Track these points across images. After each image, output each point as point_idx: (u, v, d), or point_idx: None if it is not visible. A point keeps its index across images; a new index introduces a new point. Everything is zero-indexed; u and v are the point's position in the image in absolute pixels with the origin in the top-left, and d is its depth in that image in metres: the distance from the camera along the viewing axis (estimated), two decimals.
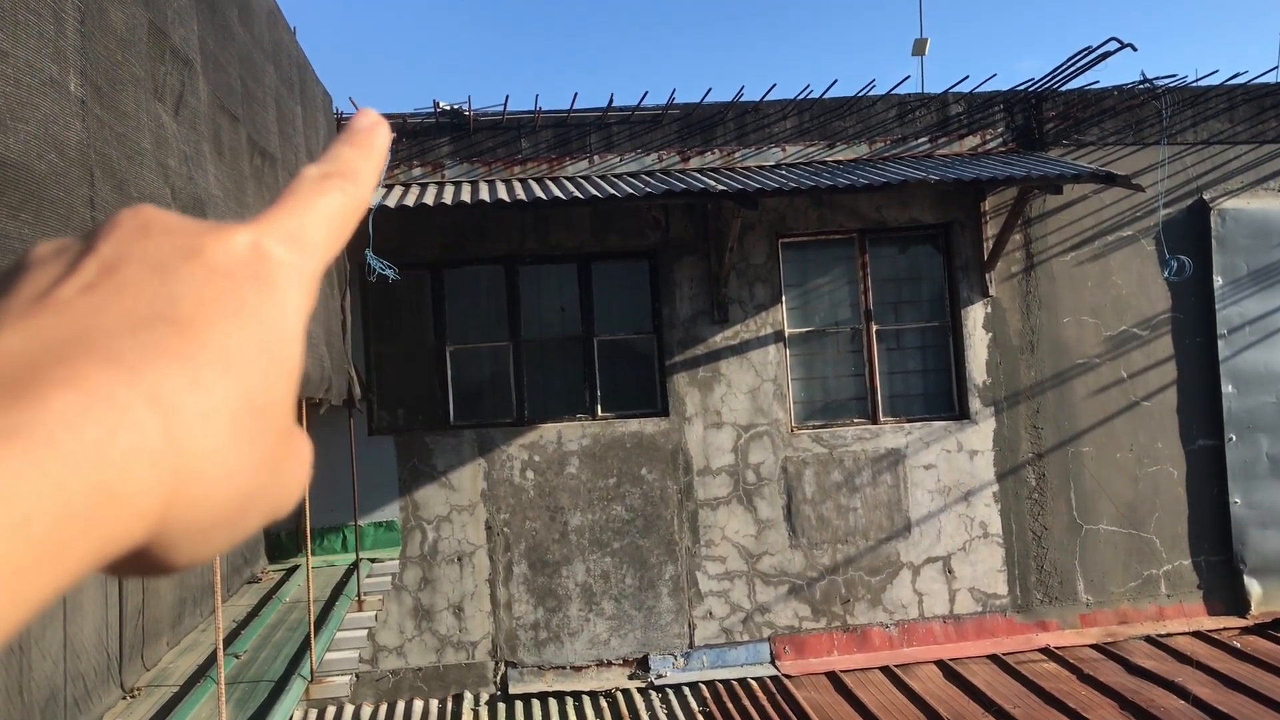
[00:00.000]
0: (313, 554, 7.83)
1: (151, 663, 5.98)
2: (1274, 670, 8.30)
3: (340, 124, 8.96)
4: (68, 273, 0.35)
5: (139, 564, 0.33)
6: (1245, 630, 9.44)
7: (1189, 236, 9.88)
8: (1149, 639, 9.23)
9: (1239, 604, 9.74)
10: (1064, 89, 10.01)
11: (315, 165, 0.44)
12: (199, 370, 0.33)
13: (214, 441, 0.33)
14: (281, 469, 0.37)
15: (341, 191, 0.43)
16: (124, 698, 5.50)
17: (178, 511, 0.32)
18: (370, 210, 8.12)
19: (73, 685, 4.98)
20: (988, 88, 10.10)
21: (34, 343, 0.31)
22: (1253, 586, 9.76)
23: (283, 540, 8.85)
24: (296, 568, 8.47)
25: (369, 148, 0.46)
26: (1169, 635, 9.30)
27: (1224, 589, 9.81)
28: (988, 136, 10.10)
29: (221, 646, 4.84)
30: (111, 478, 0.29)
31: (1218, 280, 9.85)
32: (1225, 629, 9.43)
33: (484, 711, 8.58)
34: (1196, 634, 9.32)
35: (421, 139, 9.58)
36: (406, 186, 9.37)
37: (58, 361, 0.30)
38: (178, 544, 0.33)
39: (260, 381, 0.35)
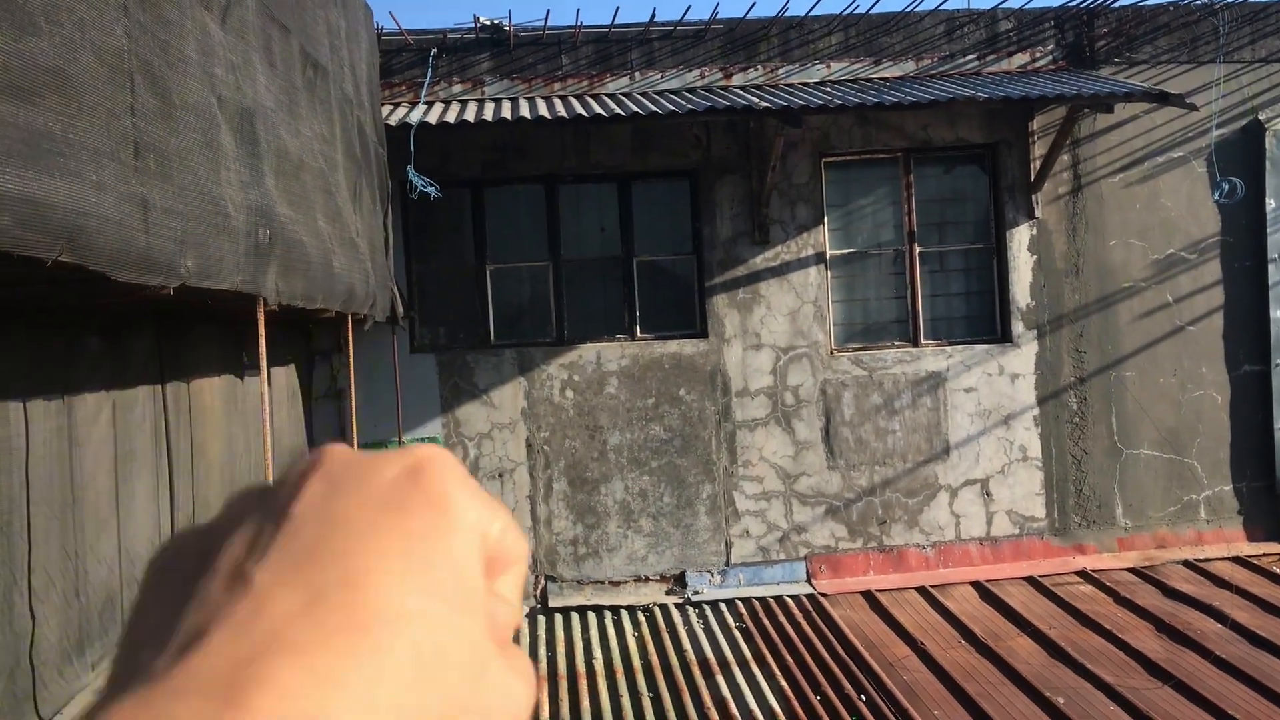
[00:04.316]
0: None
1: None
2: None
3: (380, 38, 8.90)
4: (256, 541, 0.38)
5: None
6: None
7: (1242, 158, 9.66)
8: (1187, 563, 9.22)
9: (1279, 530, 9.70)
10: (1116, 5, 9.75)
11: None
12: (366, 643, 0.35)
13: (390, 705, 0.35)
14: (476, 708, 0.38)
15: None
16: None
17: None
18: (411, 127, 8.09)
19: (128, 590, 5.10)
20: (1038, 4, 9.85)
21: (233, 635, 0.34)
22: None
23: None
24: None
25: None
26: (1207, 560, 9.28)
27: (1265, 515, 9.76)
28: (1037, 54, 9.87)
29: None
30: None
31: (1270, 203, 9.64)
32: (1265, 555, 9.40)
33: (524, 624, 8.74)
34: (1235, 559, 9.30)
35: (461, 55, 9.48)
36: (447, 103, 9.31)
37: (252, 659, 0.33)
38: None
39: (430, 630, 0.37)
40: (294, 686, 0.33)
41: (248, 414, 6.41)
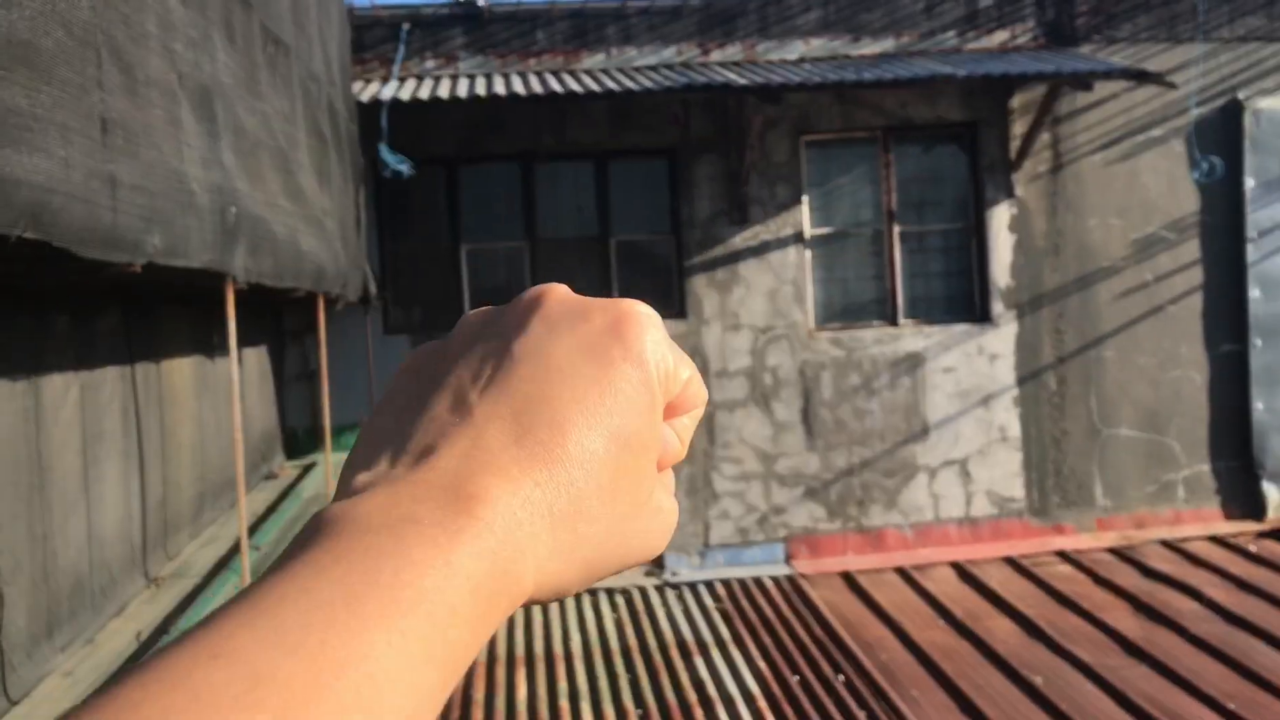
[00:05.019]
0: (330, 451, 7.83)
1: (174, 553, 6.01)
2: None
3: (352, 13, 8.74)
4: (480, 371, 0.47)
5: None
6: (1261, 535, 9.45)
7: (1221, 137, 9.65)
8: (1164, 543, 9.25)
9: (1256, 509, 9.74)
10: None
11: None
12: (561, 472, 0.44)
13: (571, 535, 0.45)
14: (637, 528, 0.48)
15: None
16: (148, 587, 5.53)
17: (545, 574, 0.44)
18: (383, 104, 7.95)
19: (98, 573, 4.99)
20: None
21: (458, 456, 0.43)
22: (1270, 492, 9.74)
23: (300, 437, 8.86)
24: (313, 465, 8.49)
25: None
26: (1185, 540, 9.31)
27: (1242, 494, 9.79)
28: (1017, 31, 9.82)
29: (246, 539, 4.85)
30: (511, 562, 0.41)
31: (1249, 182, 9.64)
32: (1241, 533, 9.44)
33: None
34: (1212, 538, 9.33)
35: (434, 30, 9.33)
36: (420, 79, 9.16)
37: (472, 475, 0.42)
38: (542, 595, 0.44)
39: (612, 467, 0.46)
40: (503, 500, 0.42)
41: (218, 395, 6.30)
